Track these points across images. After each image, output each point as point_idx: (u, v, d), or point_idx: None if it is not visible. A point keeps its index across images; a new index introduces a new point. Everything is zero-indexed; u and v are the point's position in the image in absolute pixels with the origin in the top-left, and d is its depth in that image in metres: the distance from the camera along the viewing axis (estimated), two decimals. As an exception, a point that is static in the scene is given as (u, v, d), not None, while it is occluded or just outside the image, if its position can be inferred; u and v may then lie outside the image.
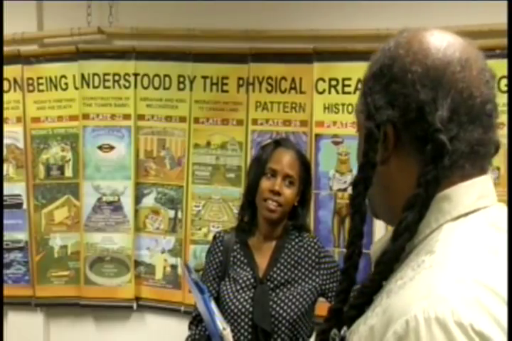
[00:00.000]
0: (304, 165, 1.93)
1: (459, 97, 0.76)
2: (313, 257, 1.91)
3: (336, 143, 2.58)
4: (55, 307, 2.92)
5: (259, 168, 1.89)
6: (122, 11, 2.80)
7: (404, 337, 0.65)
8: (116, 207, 2.82)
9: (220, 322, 1.69)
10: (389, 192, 0.82)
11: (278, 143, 1.95)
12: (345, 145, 2.57)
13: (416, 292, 0.68)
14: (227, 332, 1.67)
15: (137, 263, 2.83)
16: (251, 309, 1.81)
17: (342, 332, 0.80)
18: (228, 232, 1.97)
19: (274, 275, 1.85)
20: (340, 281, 0.84)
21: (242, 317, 1.81)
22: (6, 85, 2.84)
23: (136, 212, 2.82)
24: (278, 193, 1.84)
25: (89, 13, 2.78)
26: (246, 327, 1.81)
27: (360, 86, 2.47)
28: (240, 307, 1.82)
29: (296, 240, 1.92)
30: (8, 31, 2.76)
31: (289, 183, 1.86)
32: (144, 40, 2.76)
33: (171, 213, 2.79)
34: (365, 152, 0.79)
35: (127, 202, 2.81)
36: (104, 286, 2.83)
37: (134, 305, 2.83)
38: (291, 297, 1.82)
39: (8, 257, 2.87)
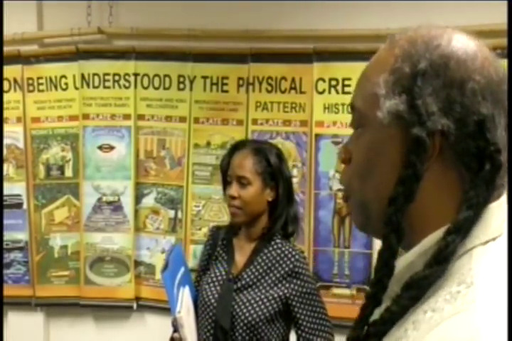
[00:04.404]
0: (263, 161, 1.85)
1: (506, 115, 0.69)
2: (287, 268, 1.82)
3: (336, 143, 2.58)
4: (55, 307, 2.92)
5: (222, 177, 1.92)
6: (122, 11, 2.80)
7: None
8: (116, 207, 2.82)
9: (180, 307, 1.73)
10: (413, 209, 0.71)
11: (235, 148, 1.92)
12: (345, 145, 2.57)
13: (458, 333, 0.60)
14: (180, 317, 1.70)
15: (137, 263, 2.83)
16: (215, 304, 1.84)
17: None
18: (221, 228, 2.01)
19: (245, 276, 1.85)
20: (365, 306, 0.74)
21: (208, 310, 1.85)
22: (6, 85, 2.84)
23: (136, 212, 2.82)
24: (234, 197, 1.84)
25: (89, 13, 2.78)
26: (210, 320, 1.84)
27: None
28: (206, 299, 1.86)
29: (275, 246, 1.86)
30: (8, 31, 2.76)
31: (242, 184, 1.84)
32: (144, 40, 2.77)
33: (171, 213, 2.80)
34: (411, 163, 0.70)
35: (127, 202, 2.81)
36: (104, 286, 2.83)
37: (134, 305, 2.83)
38: (252, 301, 1.81)
39: (8, 257, 2.88)
